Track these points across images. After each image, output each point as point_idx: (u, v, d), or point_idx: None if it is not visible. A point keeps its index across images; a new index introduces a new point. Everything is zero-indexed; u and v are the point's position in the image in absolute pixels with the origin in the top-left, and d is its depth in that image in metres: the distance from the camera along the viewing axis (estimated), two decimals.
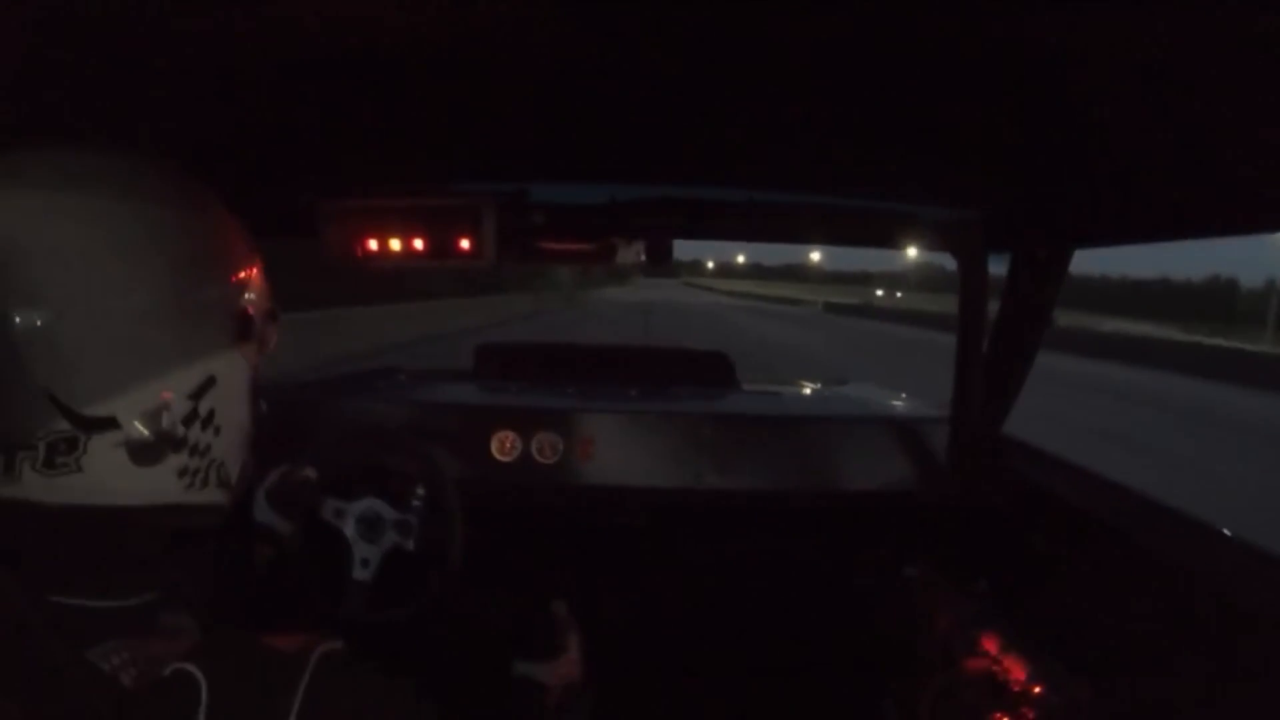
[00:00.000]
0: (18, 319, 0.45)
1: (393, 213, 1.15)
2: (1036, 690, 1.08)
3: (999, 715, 1.12)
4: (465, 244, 1.15)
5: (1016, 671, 1.12)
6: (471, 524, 1.24)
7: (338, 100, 0.81)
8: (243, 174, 1.11)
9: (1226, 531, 1.02)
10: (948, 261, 1.51)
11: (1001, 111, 0.78)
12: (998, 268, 1.43)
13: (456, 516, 1.22)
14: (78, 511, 0.48)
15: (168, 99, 0.77)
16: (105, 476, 0.49)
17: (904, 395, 2.16)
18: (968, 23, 0.57)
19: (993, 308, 1.44)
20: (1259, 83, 0.60)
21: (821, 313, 42.94)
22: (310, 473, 1.14)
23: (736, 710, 1.60)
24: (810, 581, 1.72)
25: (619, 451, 1.65)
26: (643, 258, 1.34)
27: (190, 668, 0.45)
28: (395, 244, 1.15)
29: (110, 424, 0.48)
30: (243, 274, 0.56)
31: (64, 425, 0.47)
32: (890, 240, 1.49)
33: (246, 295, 0.56)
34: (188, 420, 0.52)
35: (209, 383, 0.53)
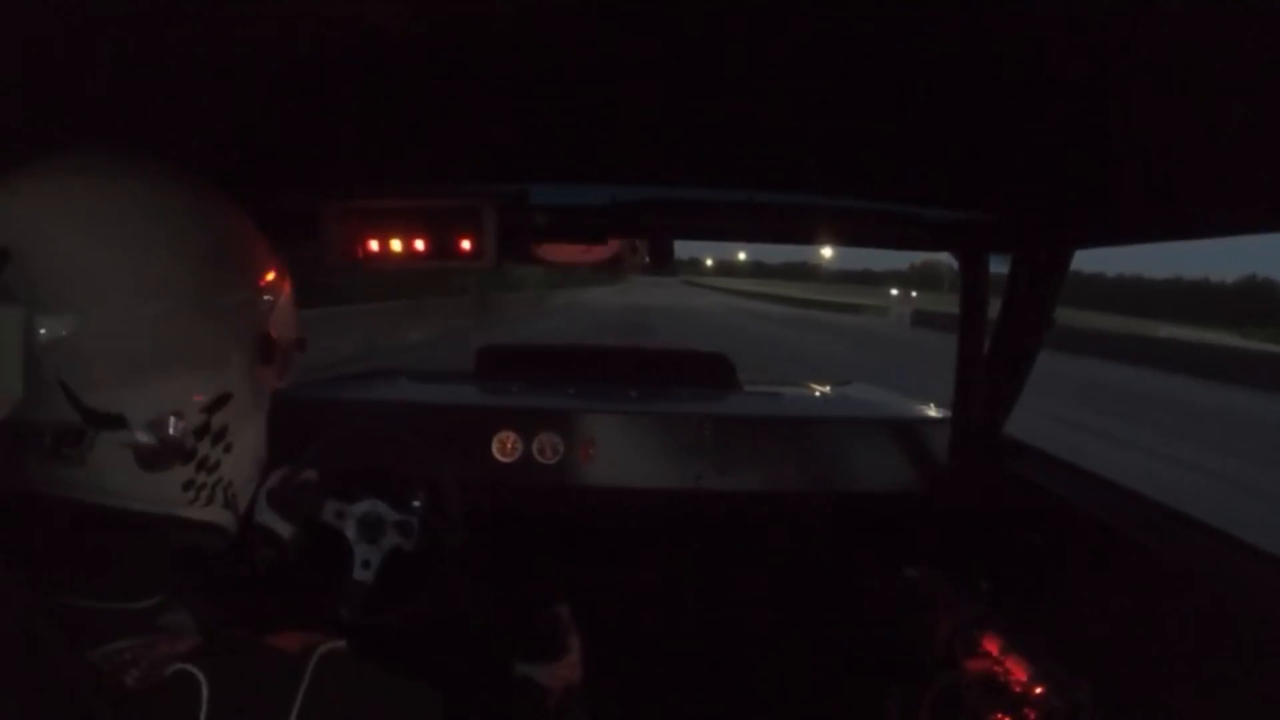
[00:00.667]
0: (40, 308, 0.45)
1: (393, 214, 1.15)
2: (1038, 691, 1.08)
3: (1000, 716, 1.12)
4: (466, 245, 1.15)
5: (1018, 672, 1.12)
6: (472, 524, 1.24)
7: (337, 101, 0.81)
8: (242, 176, 1.11)
9: (1227, 532, 1.02)
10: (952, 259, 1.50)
11: (1003, 113, 0.78)
12: (999, 268, 1.43)
13: (458, 517, 1.22)
14: (80, 509, 0.48)
15: (166, 101, 0.77)
16: (108, 475, 0.49)
17: (904, 396, 2.16)
18: (968, 23, 0.57)
19: (994, 307, 1.43)
20: (1259, 82, 0.59)
21: (911, 328, 27.55)
22: (311, 474, 1.14)
23: (737, 711, 1.60)
24: (811, 582, 1.72)
25: (620, 452, 1.65)
26: (647, 260, 1.34)
27: (191, 668, 0.45)
28: (396, 245, 1.15)
29: (119, 422, 0.48)
30: (270, 297, 0.56)
31: (73, 417, 0.47)
32: (891, 241, 1.49)
33: (272, 318, 0.56)
34: (199, 433, 0.52)
35: (224, 398, 0.53)
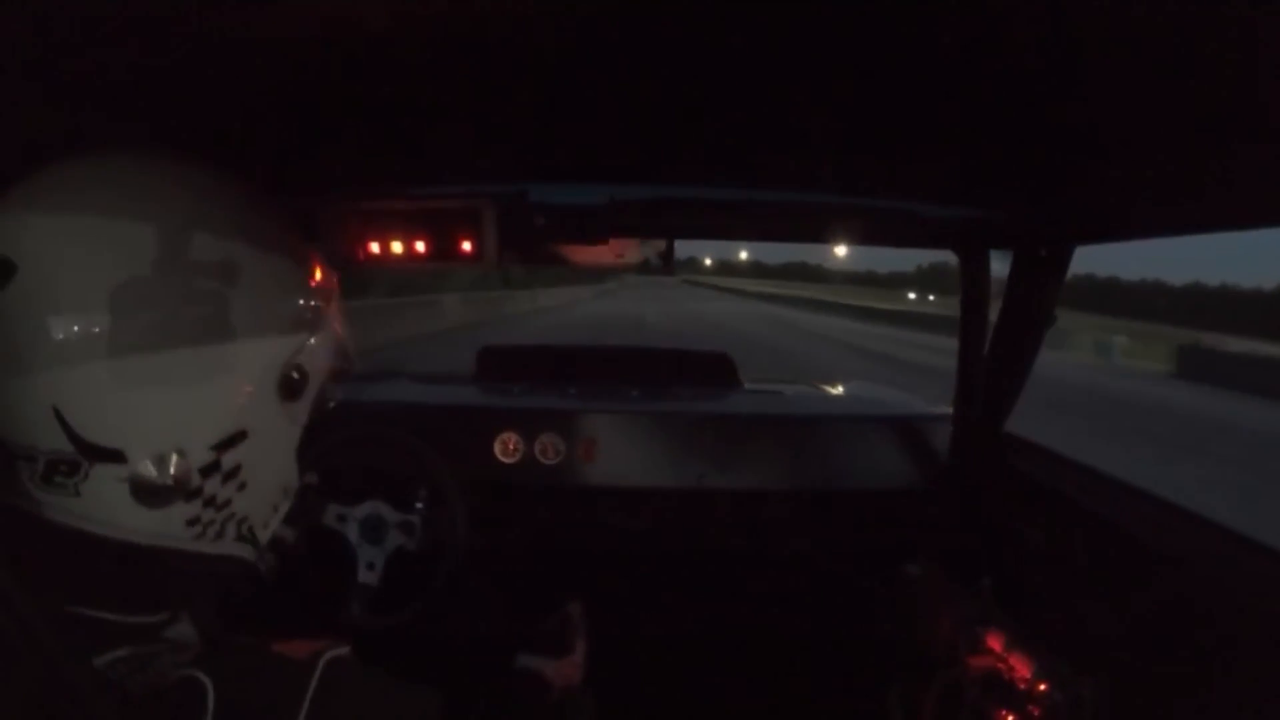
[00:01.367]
0: (35, 331, 0.43)
1: (394, 215, 1.15)
2: (1041, 688, 1.08)
3: (1004, 713, 1.12)
4: (466, 245, 1.15)
5: (1021, 669, 1.12)
6: (474, 524, 1.24)
7: (337, 101, 0.81)
8: (242, 176, 1.11)
9: (1230, 528, 1.02)
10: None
11: (1004, 110, 0.78)
12: (1000, 267, 1.43)
13: (459, 513, 1.23)
14: (75, 536, 0.47)
15: (166, 101, 0.77)
16: (104, 508, 0.46)
17: (906, 393, 2.16)
18: (969, 23, 0.57)
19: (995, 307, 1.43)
20: (1259, 80, 0.59)
21: (1165, 382, 14.46)
22: (311, 478, 1.14)
23: (739, 710, 1.60)
24: (813, 580, 1.72)
25: (622, 452, 1.65)
26: (649, 260, 1.34)
27: (197, 674, 0.45)
28: (397, 246, 1.15)
29: (116, 457, 0.45)
30: (305, 325, 0.51)
31: (68, 447, 0.44)
32: (891, 238, 1.49)
33: (306, 350, 0.51)
34: (207, 470, 0.48)
35: (239, 436, 0.49)
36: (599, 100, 0.83)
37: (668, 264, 1.39)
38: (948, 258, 1.53)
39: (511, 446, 1.64)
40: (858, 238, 1.47)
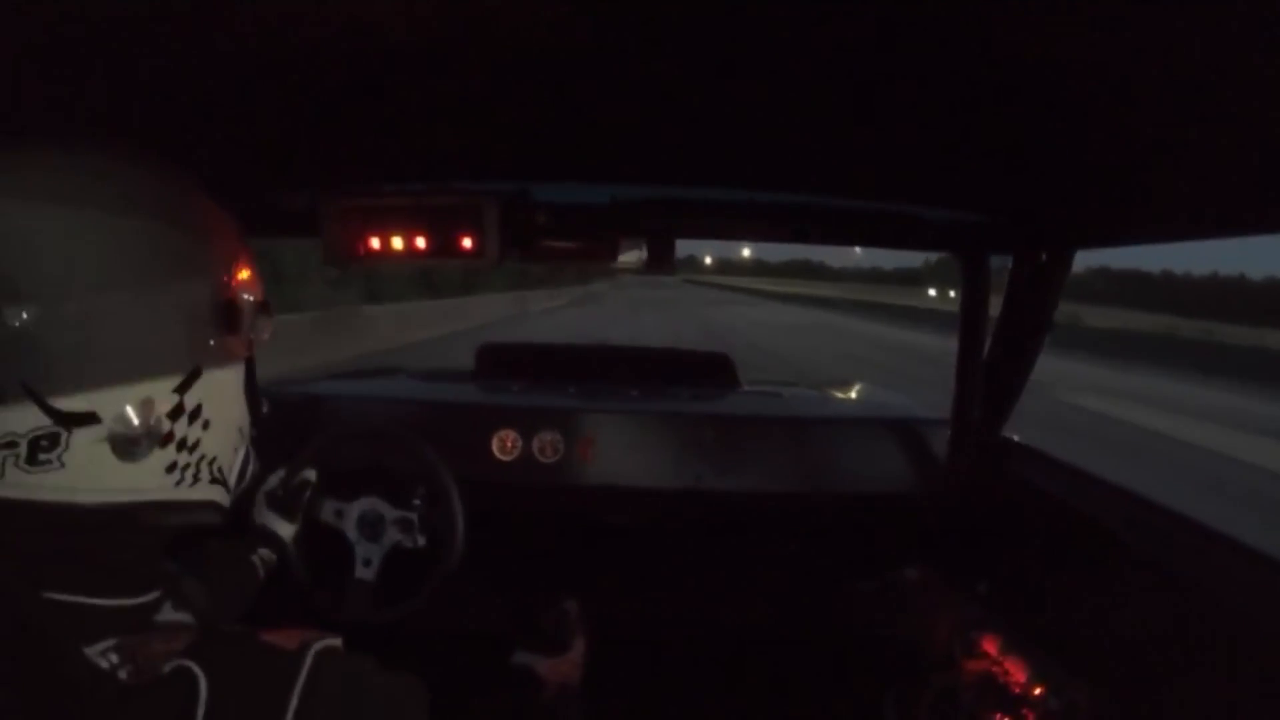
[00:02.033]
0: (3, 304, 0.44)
1: (394, 211, 1.15)
2: (1037, 692, 1.08)
3: (999, 717, 1.12)
4: (467, 243, 1.15)
5: (1017, 673, 1.12)
6: (472, 523, 1.24)
7: (337, 100, 0.81)
8: (244, 175, 1.11)
9: (1227, 534, 1.02)
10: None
11: (1003, 113, 0.78)
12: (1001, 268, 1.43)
13: (457, 509, 1.23)
14: (67, 511, 0.48)
15: (167, 100, 0.77)
16: (89, 472, 0.48)
17: (905, 396, 2.16)
18: (969, 25, 0.57)
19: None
20: (1259, 82, 0.59)
21: None
22: (309, 474, 1.14)
23: (737, 711, 1.60)
24: (810, 582, 1.72)
25: (620, 451, 1.65)
26: (648, 260, 1.34)
27: (189, 664, 0.45)
28: (397, 243, 1.15)
29: (91, 419, 0.47)
30: (229, 265, 0.55)
31: (45, 421, 0.46)
32: (891, 241, 1.49)
33: (233, 286, 0.55)
34: (173, 414, 0.51)
35: (194, 375, 0.52)
36: (602, 100, 0.83)
37: (667, 263, 1.39)
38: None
39: (510, 445, 1.64)
40: (857, 240, 1.47)
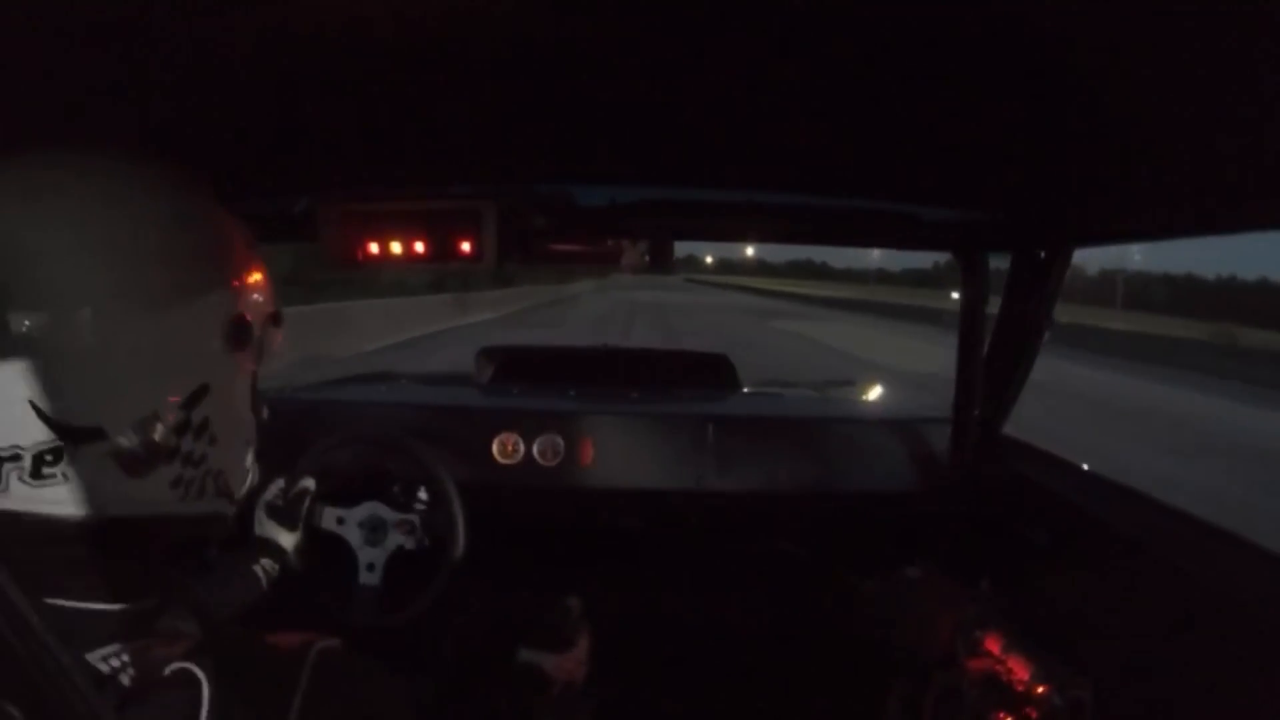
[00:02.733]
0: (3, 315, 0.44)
1: (393, 215, 1.15)
2: (1040, 690, 1.08)
3: (1002, 716, 1.12)
4: (466, 246, 1.15)
5: (1020, 672, 1.12)
6: (474, 526, 1.24)
7: (337, 101, 0.81)
8: (242, 179, 1.11)
9: (1228, 530, 1.02)
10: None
11: (1002, 111, 0.78)
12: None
13: (457, 507, 1.23)
14: (69, 525, 0.48)
15: (165, 103, 0.77)
16: (94, 487, 0.48)
17: (905, 396, 2.16)
18: (968, 23, 0.57)
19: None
20: (1258, 81, 0.59)
21: None
22: (307, 483, 1.15)
23: (738, 712, 1.60)
24: (812, 582, 1.72)
25: (621, 453, 1.65)
26: (648, 260, 1.34)
27: (191, 666, 0.45)
28: (396, 246, 1.15)
29: (97, 435, 0.47)
30: (239, 277, 0.54)
31: (50, 436, 0.46)
32: (890, 240, 1.49)
33: (244, 299, 0.54)
34: (180, 430, 0.50)
35: (202, 391, 0.51)
36: (600, 101, 0.83)
37: (667, 263, 1.39)
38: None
39: (511, 448, 1.64)
40: (856, 240, 1.48)
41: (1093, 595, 1.16)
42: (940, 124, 0.84)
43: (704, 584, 1.75)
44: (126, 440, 0.47)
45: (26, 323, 0.44)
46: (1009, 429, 1.54)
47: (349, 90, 0.77)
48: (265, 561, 1.04)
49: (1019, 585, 1.31)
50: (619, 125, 0.92)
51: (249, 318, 0.54)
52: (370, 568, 1.23)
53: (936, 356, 4.79)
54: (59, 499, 0.47)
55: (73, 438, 0.46)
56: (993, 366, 1.46)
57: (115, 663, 0.45)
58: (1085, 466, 1.38)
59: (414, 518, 1.24)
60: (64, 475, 0.47)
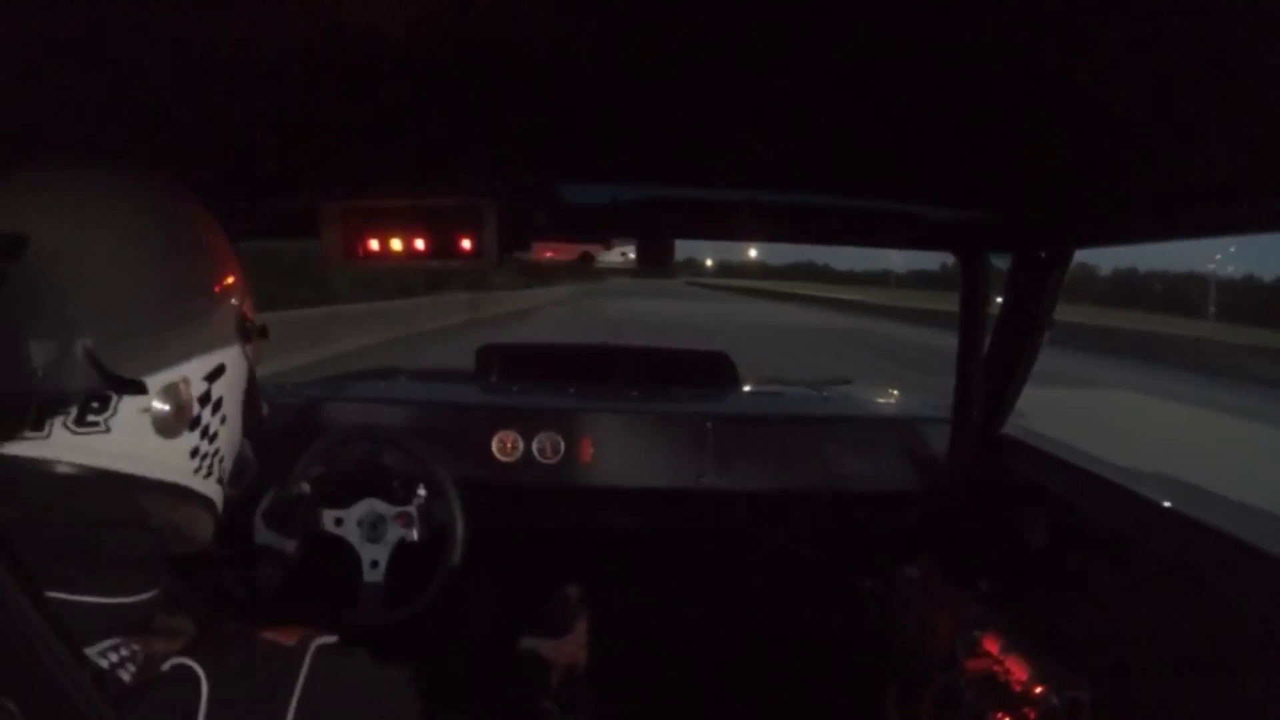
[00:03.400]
0: (58, 291, 0.49)
1: (394, 213, 1.16)
2: (1038, 690, 1.08)
3: (1000, 716, 1.12)
4: (466, 244, 1.15)
5: (1018, 672, 1.12)
6: (473, 524, 1.24)
7: (337, 101, 0.82)
8: (243, 178, 1.12)
9: (1227, 531, 1.02)
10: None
11: (1002, 112, 0.78)
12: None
13: (455, 496, 1.23)
14: (92, 478, 0.50)
15: (168, 105, 0.77)
16: (129, 441, 0.52)
17: (905, 395, 2.16)
18: (968, 23, 0.57)
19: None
20: (1258, 82, 0.59)
21: None
22: (303, 488, 1.15)
23: (736, 710, 1.60)
24: (810, 581, 1.72)
25: (620, 451, 1.65)
26: (630, 255, 1.34)
27: (189, 662, 0.46)
28: (396, 244, 1.15)
29: (139, 388, 0.51)
30: (238, 283, 0.61)
31: (98, 384, 0.49)
32: (891, 240, 1.49)
33: (247, 300, 0.61)
34: (202, 400, 0.56)
35: (220, 370, 0.57)
36: (601, 100, 0.83)
37: (667, 264, 1.39)
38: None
39: (510, 446, 1.64)
40: (856, 240, 1.48)
41: (1092, 595, 1.16)
42: (941, 124, 0.84)
43: (702, 582, 1.75)
44: (161, 399, 0.52)
45: (82, 293, 0.50)
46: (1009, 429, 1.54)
47: (351, 89, 0.77)
48: (267, 568, 1.04)
49: (1018, 585, 1.31)
50: (620, 124, 0.93)
51: (250, 317, 0.61)
52: (374, 565, 1.23)
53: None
54: (94, 449, 0.50)
55: (120, 388, 0.50)
56: (993, 367, 1.46)
57: (114, 657, 0.46)
58: (1086, 466, 1.38)
59: (411, 509, 1.24)
60: (106, 425, 0.50)
